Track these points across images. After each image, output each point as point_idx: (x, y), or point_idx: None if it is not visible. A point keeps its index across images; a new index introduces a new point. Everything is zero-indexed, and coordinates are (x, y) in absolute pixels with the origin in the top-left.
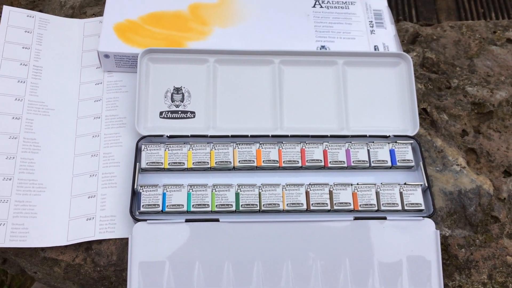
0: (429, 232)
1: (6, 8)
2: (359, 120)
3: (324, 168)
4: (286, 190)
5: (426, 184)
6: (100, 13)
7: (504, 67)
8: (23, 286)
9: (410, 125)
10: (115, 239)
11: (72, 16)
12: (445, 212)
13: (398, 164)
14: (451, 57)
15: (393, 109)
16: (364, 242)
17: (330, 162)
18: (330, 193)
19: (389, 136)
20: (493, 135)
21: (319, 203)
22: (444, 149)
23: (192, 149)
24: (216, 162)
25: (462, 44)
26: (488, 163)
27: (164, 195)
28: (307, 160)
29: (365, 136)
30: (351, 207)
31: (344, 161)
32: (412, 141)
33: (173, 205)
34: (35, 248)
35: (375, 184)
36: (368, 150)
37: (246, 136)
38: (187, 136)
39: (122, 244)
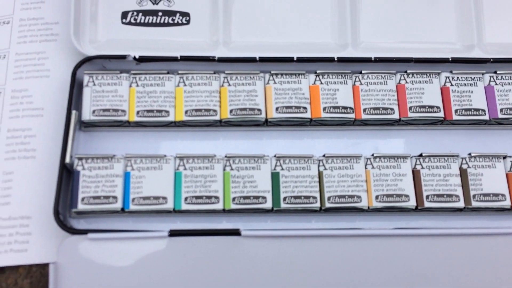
0: None
1: None
2: None
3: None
4: None
5: None
6: None
7: None
8: None
9: None
10: (29, 266)
11: None
12: None
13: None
14: None
15: None
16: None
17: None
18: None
19: None
20: None
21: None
22: None
23: (184, 84)
24: (231, 111)
25: None
26: None
27: (127, 176)
28: None
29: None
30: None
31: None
32: None
33: (145, 197)
34: None
35: None
36: None
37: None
38: (175, 59)
39: (41, 275)
